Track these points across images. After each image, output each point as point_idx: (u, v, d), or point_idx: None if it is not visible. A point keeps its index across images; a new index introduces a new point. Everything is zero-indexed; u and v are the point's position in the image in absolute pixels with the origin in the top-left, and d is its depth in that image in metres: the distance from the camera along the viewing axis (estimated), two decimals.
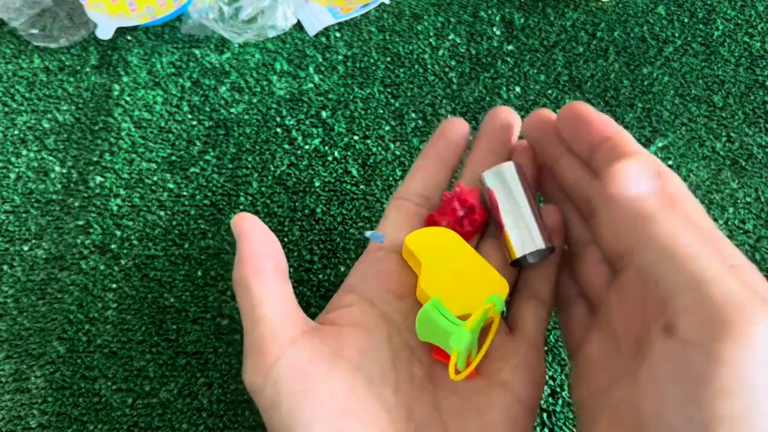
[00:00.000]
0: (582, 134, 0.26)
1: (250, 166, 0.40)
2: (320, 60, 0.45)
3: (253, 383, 0.23)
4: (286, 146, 0.41)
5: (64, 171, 0.40)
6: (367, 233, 0.28)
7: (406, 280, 0.28)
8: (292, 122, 0.42)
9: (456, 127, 0.31)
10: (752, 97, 0.42)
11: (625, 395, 0.22)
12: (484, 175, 0.28)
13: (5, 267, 0.36)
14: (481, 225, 0.29)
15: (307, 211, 0.38)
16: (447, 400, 0.25)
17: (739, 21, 0.46)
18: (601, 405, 0.23)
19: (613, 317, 0.24)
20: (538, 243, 0.27)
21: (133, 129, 0.41)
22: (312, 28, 0.46)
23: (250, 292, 0.24)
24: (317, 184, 0.39)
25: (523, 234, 0.27)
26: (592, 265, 0.26)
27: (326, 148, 0.41)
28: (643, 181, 0.24)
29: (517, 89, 0.43)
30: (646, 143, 0.40)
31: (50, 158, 0.40)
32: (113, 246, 0.37)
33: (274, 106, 0.42)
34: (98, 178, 0.39)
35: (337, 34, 0.46)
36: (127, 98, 0.43)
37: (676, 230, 0.21)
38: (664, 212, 0.22)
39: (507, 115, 0.31)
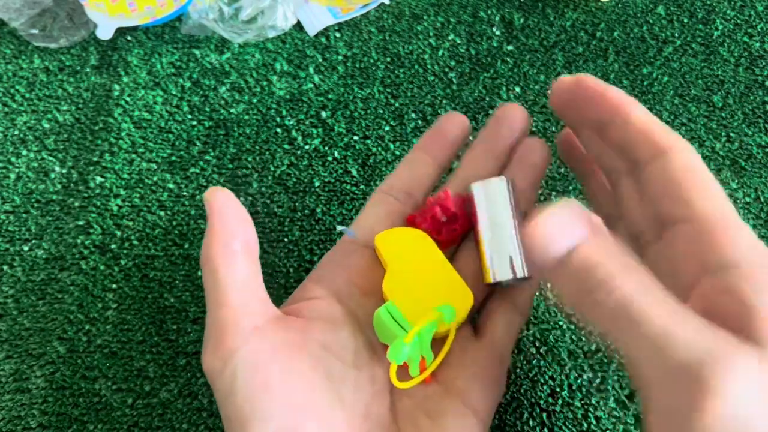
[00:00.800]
0: (591, 110, 0.23)
1: (250, 166, 0.40)
2: (320, 60, 0.45)
3: (212, 367, 0.23)
4: (286, 146, 0.41)
5: (64, 171, 0.40)
6: (340, 228, 0.28)
7: (375, 277, 0.27)
8: (292, 122, 0.42)
9: (454, 122, 0.30)
10: (752, 97, 0.43)
11: None
12: (472, 186, 0.27)
13: (5, 267, 0.36)
14: (459, 236, 0.28)
15: (307, 211, 0.38)
16: (401, 403, 0.25)
17: (739, 21, 0.46)
18: None
19: None
20: (516, 271, 0.25)
21: (133, 129, 0.41)
22: (312, 29, 0.46)
23: (216, 273, 0.23)
24: (317, 184, 0.39)
25: (502, 258, 0.25)
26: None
27: (326, 148, 0.41)
28: None
29: (517, 89, 0.43)
30: None
31: (50, 158, 0.40)
32: (113, 246, 0.37)
33: (274, 106, 0.42)
34: (98, 179, 0.39)
35: (337, 35, 0.46)
36: (127, 98, 0.43)
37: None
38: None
39: (515, 116, 0.29)
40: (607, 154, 0.24)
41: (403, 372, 0.25)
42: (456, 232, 0.27)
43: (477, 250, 0.27)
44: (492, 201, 0.26)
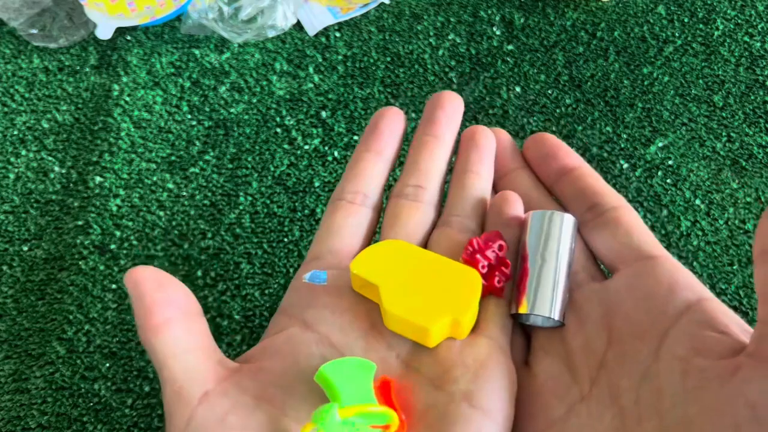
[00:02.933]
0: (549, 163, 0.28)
1: (249, 166, 0.40)
2: (320, 60, 0.45)
3: None
4: (286, 146, 0.41)
5: (64, 171, 0.40)
6: (306, 277, 0.24)
7: (344, 292, 0.25)
8: (291, 122, 0.42)
9: (389, 117, 0.28)
10: (752, 97, 0.42)
11: (597, 428, 0.21)
12: (533, 214, 0.25)
13: (5, 267, 0.36)
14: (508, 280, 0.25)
15: (307, 211, 0.38)
16: None
17: (740, 21, 0.46)
18: None
19: (569, 338, 0.24)
20: (553, 312, 0.24)
21: (132, 129, 0.41)
22: (312, 28, 0.46)
23: (154, 351, 0.22)
24: (317, 184, 0.39)
25: (544, 293, 0.24)
26: None
27: (326, 148, 0.41)
28: None
29: (517, 89, 0.43)
30: (647, 143, 0.40)
31: (50, 158, 0.40)
32: (113, 246, 0.37)
33: (274, 106, 0.42)
34: (98, 178, 0.39)
35: (337, 34, 0.46)
36: (127, 98, 0.43)
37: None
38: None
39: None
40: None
41: None
42: (505, 275, 0.25)
43: (514, 280, 0.25)
44: (551, 235, 0.24)
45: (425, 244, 0.26)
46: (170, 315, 0.22)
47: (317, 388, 0.22)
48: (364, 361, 0.22)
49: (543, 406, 0.23)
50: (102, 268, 0.36)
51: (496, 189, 0.29)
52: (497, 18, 0.47)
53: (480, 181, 0.28)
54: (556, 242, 0.24)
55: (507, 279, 0.25)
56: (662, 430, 0.20)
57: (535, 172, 0.28)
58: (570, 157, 0.27)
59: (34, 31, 0.44)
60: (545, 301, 0.24)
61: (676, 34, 0.46)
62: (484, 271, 0.24)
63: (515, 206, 0.26)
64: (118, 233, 0.37)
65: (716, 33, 0.46)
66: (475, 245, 0.25)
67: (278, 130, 0.41)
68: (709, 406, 0.19)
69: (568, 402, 0.23)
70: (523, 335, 0.26)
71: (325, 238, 0.26)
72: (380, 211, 0.28)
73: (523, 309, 0.24)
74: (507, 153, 0.29)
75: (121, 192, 0.39)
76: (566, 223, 0.25)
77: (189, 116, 0.42)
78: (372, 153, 0.28)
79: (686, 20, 0.46)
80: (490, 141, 0.28)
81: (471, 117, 0.42)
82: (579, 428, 0.22)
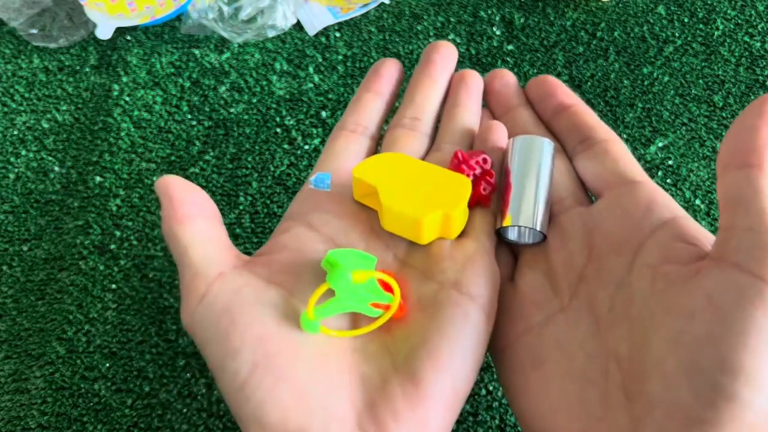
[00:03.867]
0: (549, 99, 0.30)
1: (249, 166, 0.40)
2: (320, 60, 0.45)
3: (186, 324, 0.24)
4: (286, 146, 0.41)
5: (64, 171, 0.40)
6: (311, 180, 0.26)
7: (346, 201, 0.27)
8: (291, 122, 0.42)
9: (389, 66, 0.31)
10: (752, 97, 0.42)
11: (572, 334, 0.23)
12: (516, 139, 0.27)
13: (5, 267, 0.36)
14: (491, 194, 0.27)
15: None
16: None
17: (740, 21, 0.46)
18: (541, 343, 0.24)
19: (552, 255, 0.26)
20: (537, 224, 0.25)
21: (132, 129, 0.41)
22: (312, 28, 0.46)
23: (177, 239, 0.24)
24: None
25: (526, 207, 0.26)
26: None
27: None
28: None
29: None
30: (647, 143, 0.40)
31: (49, 158, 0.40)
32: (113, 246, 0.37)
33: (274, 106, 0.42)
34: (97, 178, 0.39)
35: (337, 34, 0.46)
36: (127, 98, 0.43)
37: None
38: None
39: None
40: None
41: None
42: (491, 185, 0.27)
43: (499, 198, 0.27)
44: (532, 158, 0.27)
45: None
46: (195, 212, 0.25)
47: (323, 276, 0.24)
48: (366, 255, 0.24)
49: (523, 314, 0.25)
50: (102, 268, 0.36)
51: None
52: (497, 18, 0.47)
53: (468, 114, 0.30)
54: (537, 162, 0.27)
55: (492, 189, 0.27)
56: (630, 332, 0.22)
57: (535, 110, 0.31)
58: (567, 95, 0.30)
59: (34, 31, 0.44)
60: (528, 213, 0.26)
61: (676, 34, 0.46)
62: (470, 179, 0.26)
63: (499, 133, 0.29)
64: (118, 233, 0.37)
65: (716, 33, 0.46)
66: (460, 157, 0.27)
67: (278, 130, 0.41)
68: (670, 301, 0.21)
69: (547, 312, 0.25)
70: (511, 254, 0.28)
71: (326, 161, 0.29)
72: (378, 141, 0.30)
73: (507, 222, 0.26)
74: (511, 92, 0.31)
75: (121, 192, 0.39)
76: (546, 146, 0.27)
77: (189, 116, 0.42)
78: (372, 93, 0.30)
79: (686, 20, 0.46)
80: (477, 80, 0.31)
81: None
82: (556, 334, 0.24)
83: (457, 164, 0.27)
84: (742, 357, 0.18)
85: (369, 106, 0.30)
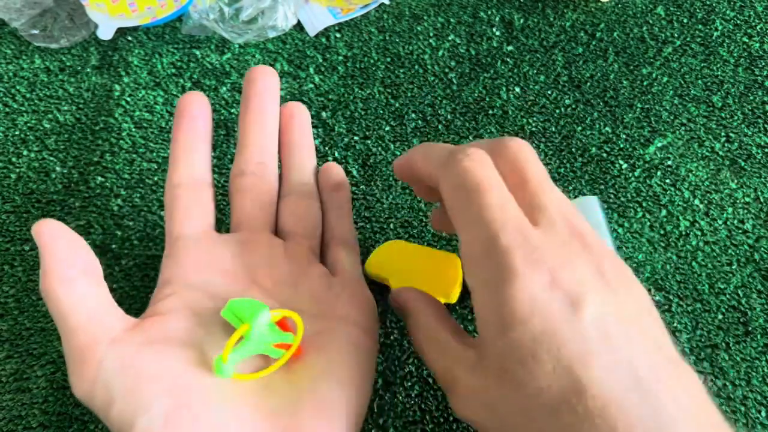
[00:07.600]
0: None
1: None
2: (320, 60, 0.45)
3: (83, 393, 0.23)
4: None
5: (65, 171, 0.40)
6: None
7: (223, 256, 0.28)
8: None
9: (199, 102, 0.30)
10: (751, 98, 0.43)
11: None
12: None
13: (6, 267, 0.36)
14: None
15: None
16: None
17: (738, 21, 0.46)
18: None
19: None
20: None
21: (133, 129, 0.41)
22: (312, 29, 0.46)
23: (59, 303, 0.23)
24: None
25: None
26: None
27: (326, 148, 0.41)
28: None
29: (517, 90, 0.43)
30: (646, 143, 0.41)
31: (51, 158, 0.40)
32: (114, 246, 0.37)
33: None
34: (99, 179, 0.39)
35: (338, 35, 0.46)
36: (128, 98, 0.43)
37: None
38: None
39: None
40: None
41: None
42: None
43: None
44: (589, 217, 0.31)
45: (277, 215, 0.31)
46: (79, 271, 0.24)
47: (227, 325, 0.25)
48: (258, 302, 0.25)
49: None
50: (103, 268, 0.36)
51: None
52: (497, 19, 0.47)
53: (305, 152, 0.32)
54: (597, 222, 0.33)
55: None
56: None
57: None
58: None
59: (36, 31, 0.44)
60: None
61: (675, 35, 0.46)
62: None
63: (336, 169, 0.32)
64: (119, 233, 0.37)
65: (715, 33, 0.46)
66: None
67: None
68: None
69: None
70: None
71: (174, 228, 0.28)
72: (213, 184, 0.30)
73: None
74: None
75: (123, 192, 0.39)
76: (594, 202, 0.34)
77: None
78: (192, 136, 0.30)
79: (685, 21, 0.47)
80: (306, 115, 0.32)
81: (471, 118, 0.42)
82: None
83: None
84: None
85: (197, 153, 0.30)
